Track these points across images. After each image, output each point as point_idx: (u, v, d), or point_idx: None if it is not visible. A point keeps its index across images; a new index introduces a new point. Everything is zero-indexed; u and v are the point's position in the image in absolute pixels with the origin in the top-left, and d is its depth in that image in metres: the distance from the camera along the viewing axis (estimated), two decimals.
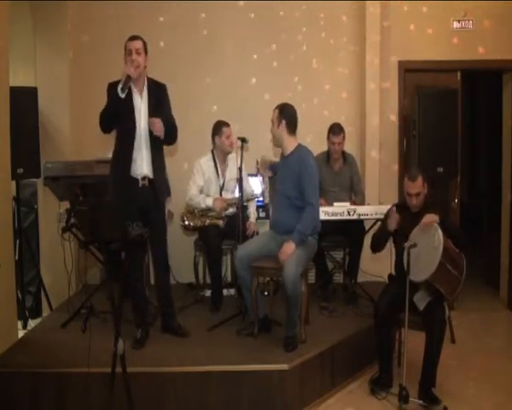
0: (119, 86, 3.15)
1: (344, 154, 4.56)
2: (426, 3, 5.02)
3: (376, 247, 3.67)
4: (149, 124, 3.26)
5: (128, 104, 3.25)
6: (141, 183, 3.33)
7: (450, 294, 3.22)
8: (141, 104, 3.31)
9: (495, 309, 5.10)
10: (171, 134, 3.40)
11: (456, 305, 4.85)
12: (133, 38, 3.29)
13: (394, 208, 3.50)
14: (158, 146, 3.40)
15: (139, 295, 3.51)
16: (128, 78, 3.16)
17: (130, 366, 2.67)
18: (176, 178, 4.36)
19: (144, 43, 3.31)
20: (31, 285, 4.73)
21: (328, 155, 4.55)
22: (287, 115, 3.51)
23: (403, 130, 5.15)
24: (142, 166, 3.32)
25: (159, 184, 3.40)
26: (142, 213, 3.29)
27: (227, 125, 4.31)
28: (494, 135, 6.00)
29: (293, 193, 3.46)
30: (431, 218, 3.24)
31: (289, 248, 3.32)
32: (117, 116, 3.23)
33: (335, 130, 4.43)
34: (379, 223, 3.92)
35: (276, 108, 3.56)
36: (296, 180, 3.43)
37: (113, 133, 4.32)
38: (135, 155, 3.30)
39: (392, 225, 3.45)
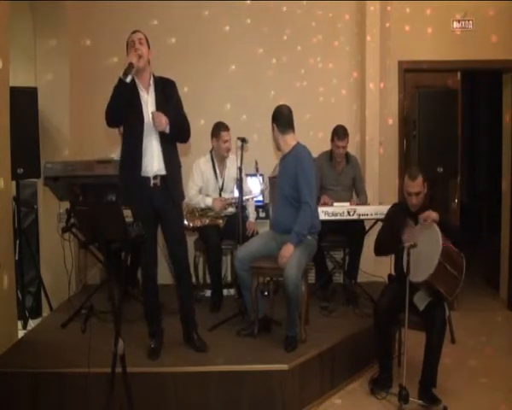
0: (121, 74, 3.03)
1: (347, 154, 4.55)
2: (426, 3, 5.03)
3: (384, 254, 3.64)
4: (151, 118, 3.12)
5: (134, 100, 3.16)
6: (152, 182, 3.16)
7: (450, 294, 3.21)
8: (147, 100, 3.20)
9: (495, 309, 5.09)
10: (181, 129, 3.23)
11: (456, 305, 4.85)
12: (135, 31, 3.23)
13: (411, 222, 3.32)
14: (170, 142, 3.21)
15: (153, 302, 3.32)
16: (130, 65, 3.05)
17: (130, 365, 2.66)
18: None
19: (146, 37, 3.24)
20: (31, 285, 4.74)
21: (330, 155, 4.54)
22: (276, 117, 3.56)
23: (403, 130, 5.15)
24: (152, 162, 3.13)
25: (172, 182, 3.20)
26: (155, 213, 3.19)
27: (226, 129, 4.26)
28: (494, 135, 6.01)
29: (290, 192, 3.47)
30: (429, 214, 3.23)
31: (288, 251, 3.31)
32: (123, 109, 3.10)
33: (340, 134, 4.38)
34: (379, 223, 3.91)
35: None
36: (293, 179, 3.43)
37: (115, 133, 4.37)
38: (145, 151, 3.13)
39: (411, 240, 3.21)
